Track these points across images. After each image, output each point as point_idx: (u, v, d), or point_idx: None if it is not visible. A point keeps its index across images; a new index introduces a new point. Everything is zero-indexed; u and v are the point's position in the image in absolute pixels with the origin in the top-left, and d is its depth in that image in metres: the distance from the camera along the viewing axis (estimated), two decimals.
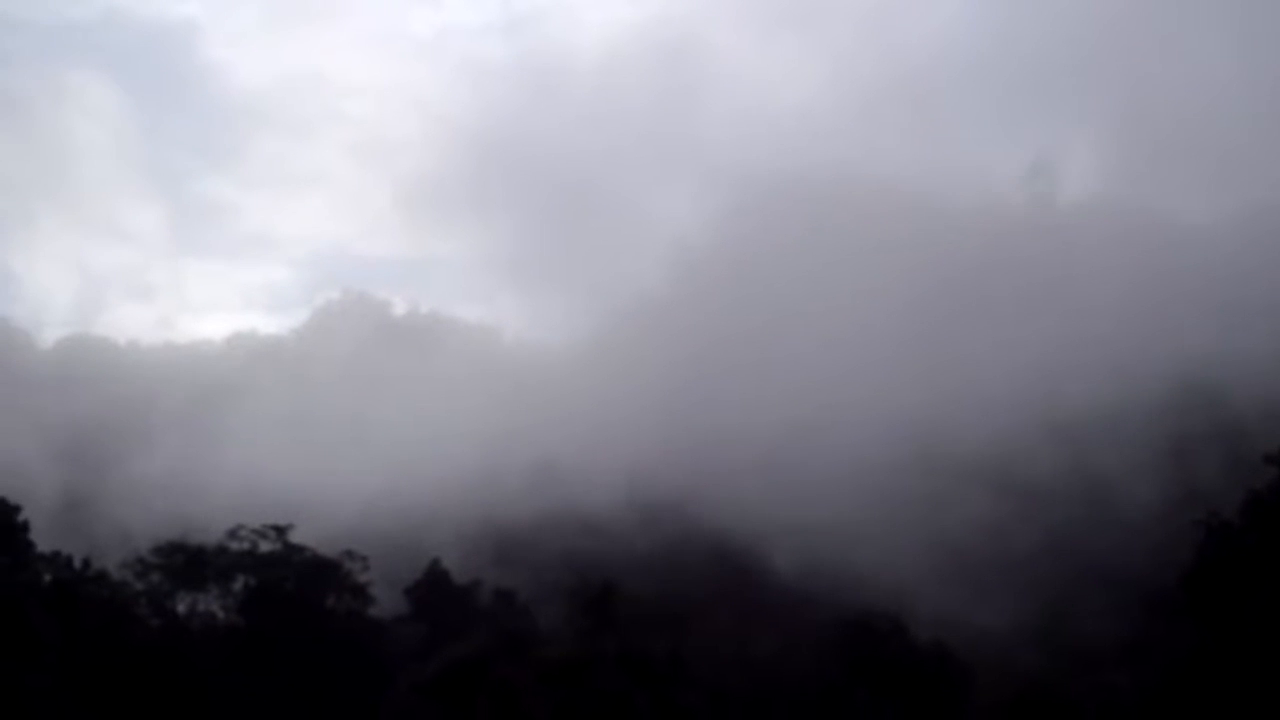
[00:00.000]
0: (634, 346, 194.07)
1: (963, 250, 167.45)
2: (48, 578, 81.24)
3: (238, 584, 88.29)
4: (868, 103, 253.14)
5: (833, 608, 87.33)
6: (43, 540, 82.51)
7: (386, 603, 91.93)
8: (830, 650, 79.20)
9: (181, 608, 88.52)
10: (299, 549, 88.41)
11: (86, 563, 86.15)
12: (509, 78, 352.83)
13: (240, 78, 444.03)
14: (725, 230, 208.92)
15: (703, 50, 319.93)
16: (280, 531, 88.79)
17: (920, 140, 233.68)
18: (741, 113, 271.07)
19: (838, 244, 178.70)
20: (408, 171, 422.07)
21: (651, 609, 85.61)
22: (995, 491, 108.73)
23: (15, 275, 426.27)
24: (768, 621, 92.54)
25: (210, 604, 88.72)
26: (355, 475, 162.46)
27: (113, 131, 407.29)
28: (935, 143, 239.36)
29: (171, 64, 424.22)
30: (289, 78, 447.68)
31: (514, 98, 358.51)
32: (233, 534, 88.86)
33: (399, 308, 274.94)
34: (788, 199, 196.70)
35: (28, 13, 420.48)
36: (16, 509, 77.82)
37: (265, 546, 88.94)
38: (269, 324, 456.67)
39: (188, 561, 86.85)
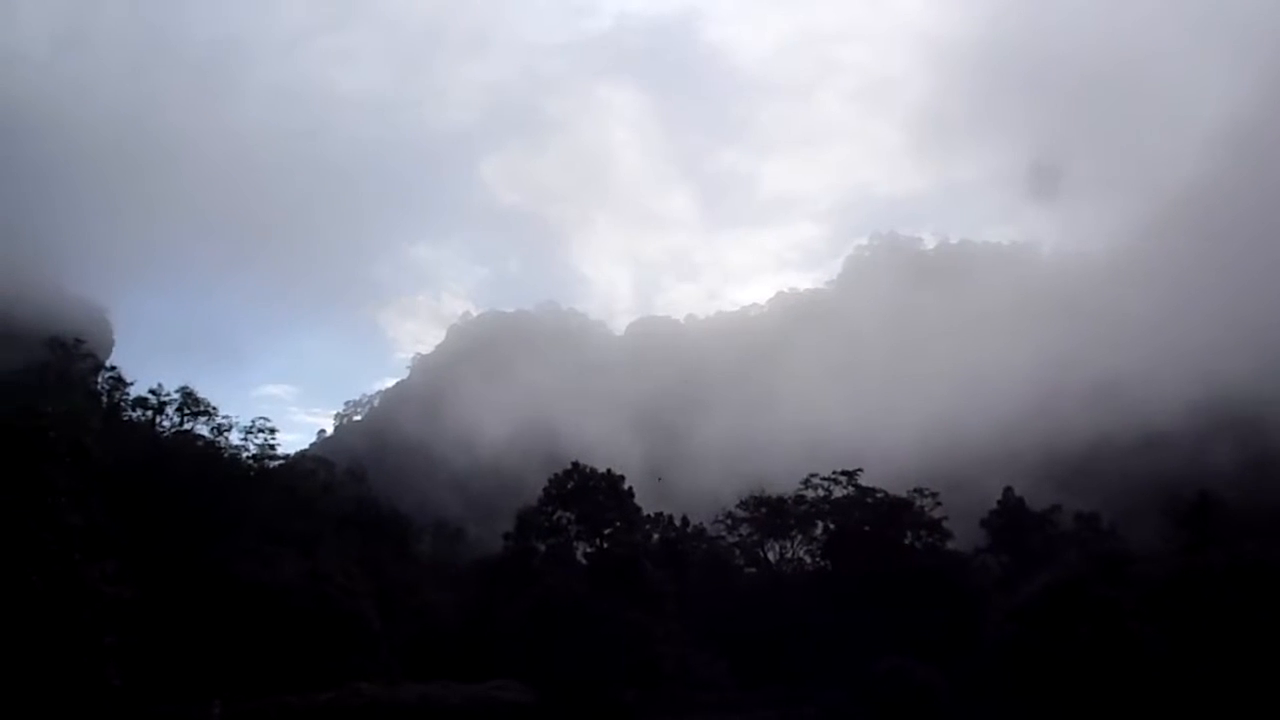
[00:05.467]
0: (1187, 243, 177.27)
1: None
2: (655, 536, 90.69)
3: (818, 529, 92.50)
4: None
5: None
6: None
7: (961, 536, 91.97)
8: None
9: (771, 555, 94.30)
10: (870, 491, 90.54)
11: (685, 521, 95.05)
12: None
13: (740, 51, 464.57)
14: None
15: None
16: (850, 476, 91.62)
17: None
18: None
19: None
20: (914, 104, 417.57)
21: (1248, 521, 78.11)
22: None
23: (584, 275, 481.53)
24: None
25: (796, 550, 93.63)
26: (907, 415, 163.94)
27: (638, 127, 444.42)
28: None
29: (679, 52, 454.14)
30: (783, 39, 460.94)
31: (1011, 6, 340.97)
32: (806, 483, 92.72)
33: (928, 242, 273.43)
34: None
35: (547, 36, 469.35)
36: (621, 478, 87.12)
37: (838, 492, 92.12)
38: (805, 280, 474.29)
39: (770, 512, 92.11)
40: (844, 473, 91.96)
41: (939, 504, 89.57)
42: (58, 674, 46.53)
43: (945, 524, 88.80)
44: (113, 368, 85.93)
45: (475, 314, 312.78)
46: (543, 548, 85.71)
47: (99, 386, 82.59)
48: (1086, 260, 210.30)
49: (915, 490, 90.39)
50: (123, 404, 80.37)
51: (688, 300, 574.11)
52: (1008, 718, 65.33)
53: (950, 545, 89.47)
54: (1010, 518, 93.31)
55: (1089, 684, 61.84)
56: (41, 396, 60.12)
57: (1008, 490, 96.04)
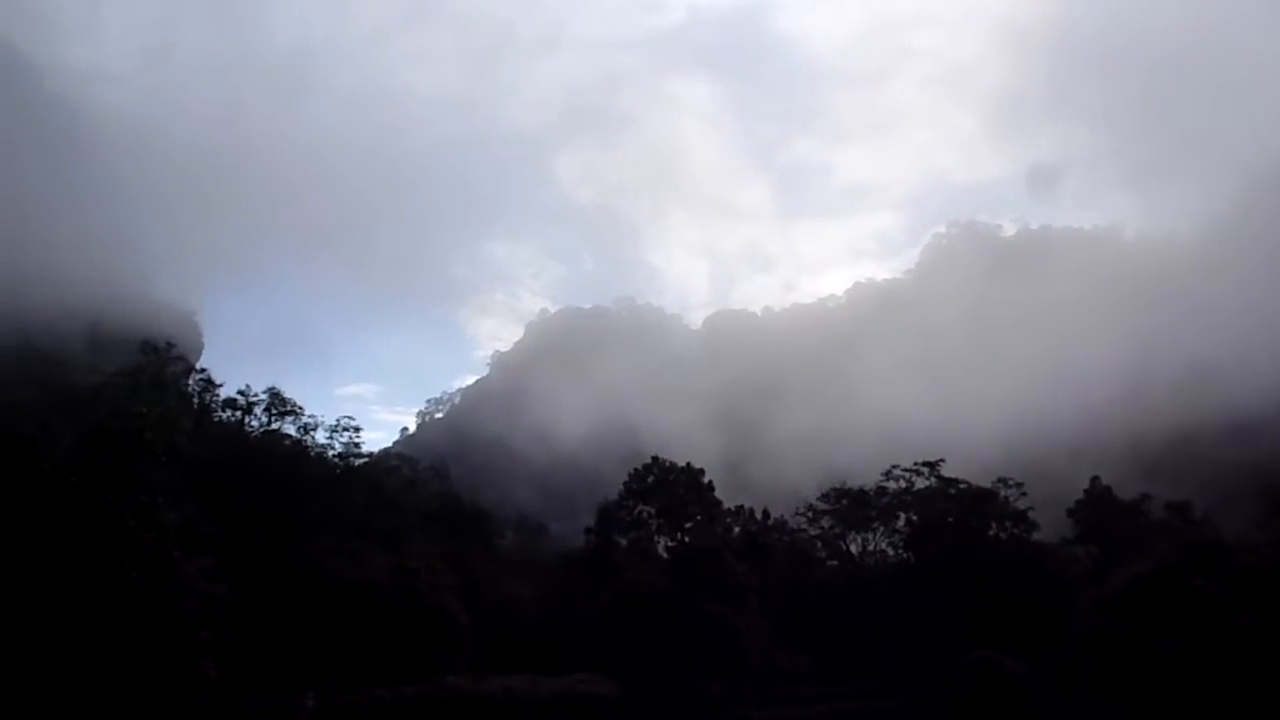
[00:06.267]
0: (1276, 223, 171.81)
1: None
2: (736, 530, 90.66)
3: (900, 521, 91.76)
4: None
5: None
6: None
7: (1046, 526, 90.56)
8: None
9: (853, 547, 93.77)
10: (953, 482, 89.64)
11: (766, 513, 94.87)
12: None
13: (812, 39, 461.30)
14: None
15: None
16: (932, 467, 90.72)
17: None
18: None
19: None
20: (991, 89, 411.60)
21: None
22: None
23: (659, 269, 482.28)
24: None
25: (878, 542, 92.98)
26: (988, 405, 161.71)
27: (711, 120, 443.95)
28: None
29: (750, 43, 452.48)
30: (856, 26, 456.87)
31: None
32: (888, 474, 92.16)
33: (1008, 229, 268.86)
34: None
35: (618, 31, 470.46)
36: (700, 472, 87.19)
37: (920, 483, 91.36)
38: (883, 270, 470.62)
39: (852, 504, 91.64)
40: (926, 463, 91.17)
41: (1024, 494, 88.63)
42: (156, 667, 47.89)
43: (1030, 514, 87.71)
44: (203, 370, 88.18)
45: (553, 311, 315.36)
46: (624, 542, 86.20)
47: (190, 388, 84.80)
48: (1172, 243, 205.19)
49: (999, 480, 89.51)
50: (213, 405, 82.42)
51: (764, 292, 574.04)
52: (1098, 711, 64.27)
53: (1036, 536, 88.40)
54: (1098, 507, 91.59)
55: (1182, 677, 60.47)
56: (136, 399, 61.82)
57: (1094, 479, 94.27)
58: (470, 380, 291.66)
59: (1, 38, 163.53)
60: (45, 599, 44.97)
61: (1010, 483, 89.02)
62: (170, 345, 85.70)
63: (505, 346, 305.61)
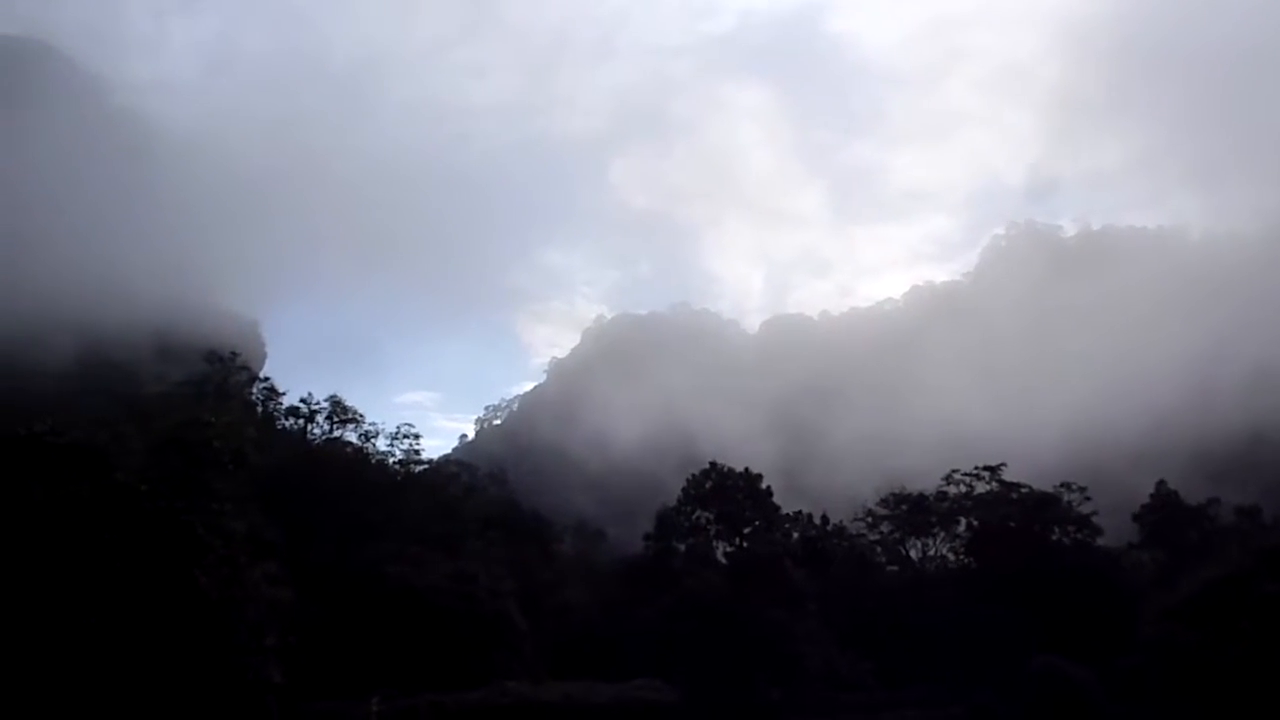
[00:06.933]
0: None
1: None
2: (795, 535, 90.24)
3: (961, 526, 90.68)
4: None
5: None
6: None
7: (1110, 532, 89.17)
8: None
9: (913, 553, 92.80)
10: (1015, 486, 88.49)
11: (825, 519, 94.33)
12: None
13: (865, 42, 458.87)
14: None
15: None
16: (993, 471, 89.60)
17: None
18: None
19: None
20: (1048, 89, 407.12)
21: None
22: None
23: (716, 275, 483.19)
24: None
25: (939, 547, 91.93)
26: (1050, 409, 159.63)
27: (765, 124, 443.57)
28: None
29: (803, 47, 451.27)
30: (910, 28, 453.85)
31: None
32: (948, 478, 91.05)
33: (1069, 230, 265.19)
34: None
35: (672, 38, 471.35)
36: (759, 477, 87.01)
37: (980, 488, 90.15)
38: (941, 272, 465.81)
39: (911, 509, 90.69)
40: (986, 468, 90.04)
41: (1087, 499, 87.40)
42: (223, 671, 48.78)
43: (1094, 519, 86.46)
44: (266, 379, 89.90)
45: (609, 317, 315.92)
46: (682, 548, 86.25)
47: (254, 397, 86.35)
48: (1239, 243, 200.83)
49: (1062, 485, 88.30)
50: (276, 413, 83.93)
51: (821, 297, 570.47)
52: (1165, 718, 63.16)
53: (1100, 541, 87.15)
54: (1164, 512, 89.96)
55: (1252, 685, 59.26)
56: (203, 408, 63.11)
57: (1160, 483, 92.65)
58: (528, 387, 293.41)
59: (68, 55, 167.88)
60: (118, 604, 45.99)
61: (1073, 487, 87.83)
62: (234, 354, 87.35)
63: (562, 353, 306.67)
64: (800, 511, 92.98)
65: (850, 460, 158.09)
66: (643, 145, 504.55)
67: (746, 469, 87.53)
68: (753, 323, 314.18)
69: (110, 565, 46.43)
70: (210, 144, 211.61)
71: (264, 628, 51.64)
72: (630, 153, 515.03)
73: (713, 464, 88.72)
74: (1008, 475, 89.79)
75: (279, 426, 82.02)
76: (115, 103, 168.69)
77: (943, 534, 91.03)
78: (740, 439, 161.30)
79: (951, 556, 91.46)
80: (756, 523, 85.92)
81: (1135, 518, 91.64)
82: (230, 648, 49.32)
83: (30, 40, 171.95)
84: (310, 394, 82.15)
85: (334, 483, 72.12)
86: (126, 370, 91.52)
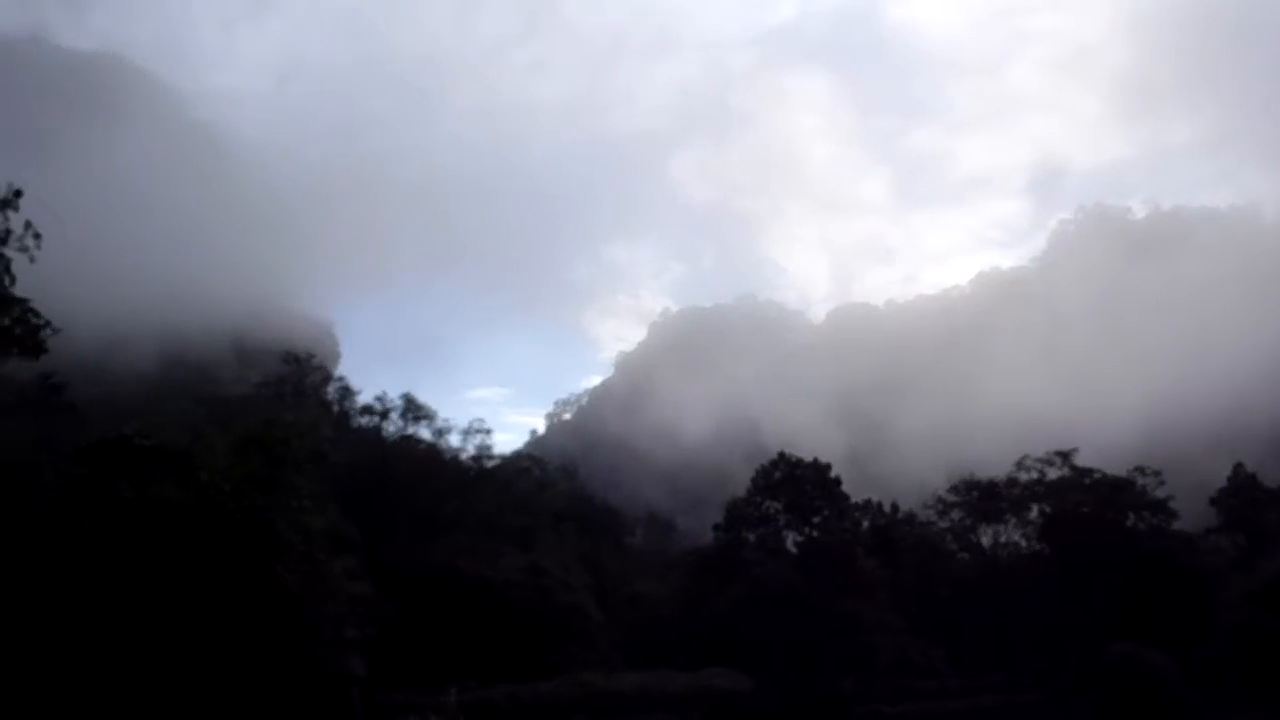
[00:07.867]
0: None
1: None
2: (864, 524, 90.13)
3: (1033, 512, 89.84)
4: None
5: None
6: None
7: (1187, 516, 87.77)
8: None
9: (984, 540, 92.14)
10: (1087, 471, 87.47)
11: (895, 507, 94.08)
12: None
13: (927, 28, 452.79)
14: None
15: None
16: (1065, 457, 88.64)
17: None
18: None
19: None
20: (1114, 69, 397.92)
21: None
22: None
23: (780, 265, 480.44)
24: None
25: (1010, 533, 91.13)
26: (1122, 394, 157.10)
27: (826, 114, 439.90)
28: None
29: (863, 35, 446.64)
30: (971, 12, 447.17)
31: None
32: (1019, 464, 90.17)
33: (1138, 212, 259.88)
34: None
35: (731, 30, 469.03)
36: (827, 467, 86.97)
37: (1052, 473, 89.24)
38: (1008, 258, 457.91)
39: (982, 496, 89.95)
40: (1058, 453, 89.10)
41: (1162, 483, 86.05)
42: (307, 664, 50.24)
43: (1170, 504, 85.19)
44: (341, 378, 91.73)
45: (674, 310, 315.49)
46: (752, 538, 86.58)
47: (329, 396, 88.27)
48: None
49: (1136, 469, 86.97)
50: (351, 411, 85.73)
51: (886, 285, 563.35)
52: (1247, 706, 62.28)
53: (1176, 526, 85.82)
54: (1243, 495, 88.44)
55: None
56: (280, 408, 64.79)
57: (1238, 466, 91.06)
58: (595, 381, 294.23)
59: (143, 67, 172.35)
60: (205, 600, 47.59)
61: (1148, 471, 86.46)
62: (310, 355, 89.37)
63: (629, 347, 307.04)
64: (870, 500, 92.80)
65: (919, 449, 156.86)
66: (704, 138, 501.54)
67: (815, 458, 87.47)
68: (818, 313, 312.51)
69: (197, 562, 47.95)
70: (281, 150, 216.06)
71: (344, 622, 52.99)
72: (692, 146, 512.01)
73: (781, 454, 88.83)
74: (1080, 460, 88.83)
75: (354, 425, 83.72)
76: (189, 113, 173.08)
77: (1014, 520, 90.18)
78: (807, 429, 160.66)
79: (1024, 543, 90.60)
80: (826, 512, 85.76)
81: (1213, 501, 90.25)
82: (313, 641, 50.70)
83: (106, 54, 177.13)
84: (384, 392, 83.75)
85: (408, 479, 73.60)
86: (207, 373, 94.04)
